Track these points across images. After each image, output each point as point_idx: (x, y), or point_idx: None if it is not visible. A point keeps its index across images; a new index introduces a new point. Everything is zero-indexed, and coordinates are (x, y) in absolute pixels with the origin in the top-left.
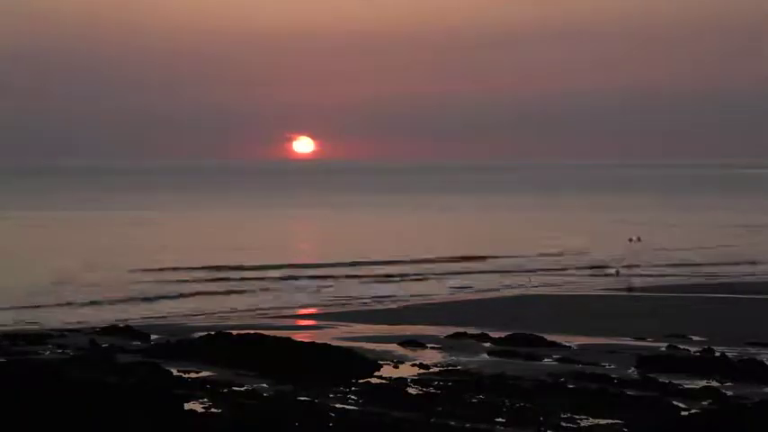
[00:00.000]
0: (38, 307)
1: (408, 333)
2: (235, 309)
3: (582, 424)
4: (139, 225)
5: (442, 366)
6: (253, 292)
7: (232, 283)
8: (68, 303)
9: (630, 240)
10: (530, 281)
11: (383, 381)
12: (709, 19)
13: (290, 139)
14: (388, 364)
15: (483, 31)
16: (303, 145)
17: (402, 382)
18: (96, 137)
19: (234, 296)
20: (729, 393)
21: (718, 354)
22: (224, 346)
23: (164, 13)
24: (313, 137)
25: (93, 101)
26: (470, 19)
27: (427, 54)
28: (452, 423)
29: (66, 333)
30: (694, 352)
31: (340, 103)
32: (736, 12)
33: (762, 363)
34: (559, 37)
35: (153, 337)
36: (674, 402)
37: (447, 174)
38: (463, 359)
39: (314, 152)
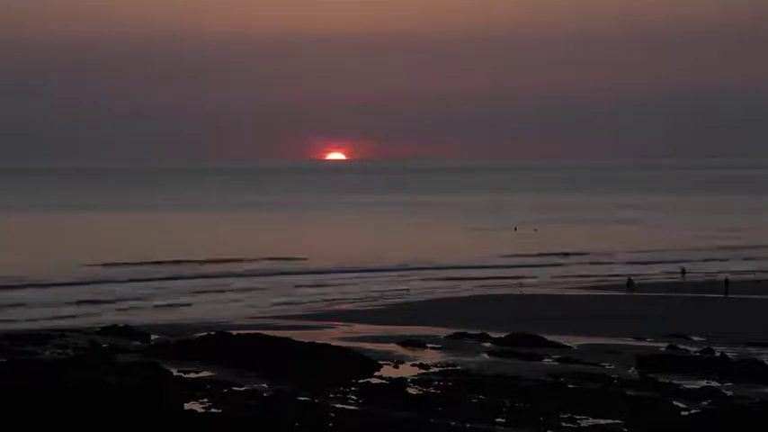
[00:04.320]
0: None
1: (408, 333)
2: None
3: (582, 424)
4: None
5: (442, 366)
6: None
7: None
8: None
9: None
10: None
11: (383, 381)
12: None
13: (324, 142)
14: (388, 364)
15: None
16: (335, 148)
17: (402, 382)
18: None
19: None
20: (729, 393)
21: (718, 354)
22: (224, 346)
23: (202, 19)
24: (343, 139)
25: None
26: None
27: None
28: (452, 423)
29: (66, 333)
30: (694, 352)
31: (366, 103)
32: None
33: (762, 363)
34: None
35: (153, 337)
36: (674, 402)
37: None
38: (463, 359)
39: (346, 154)
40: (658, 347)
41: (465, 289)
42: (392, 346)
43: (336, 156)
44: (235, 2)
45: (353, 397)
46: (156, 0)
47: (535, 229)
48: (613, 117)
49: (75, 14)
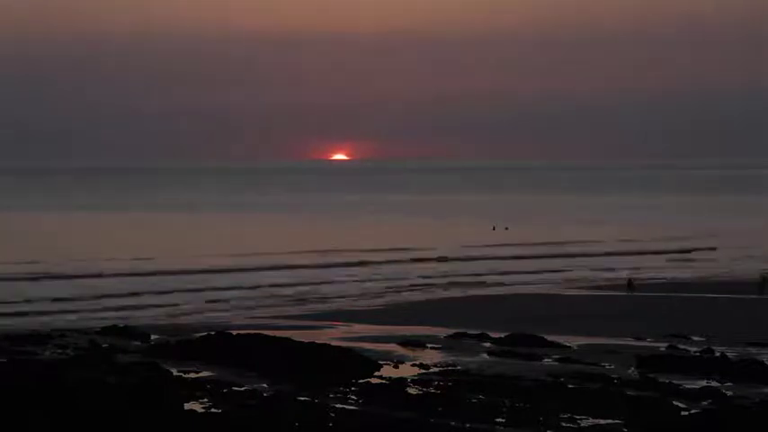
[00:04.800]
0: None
1: (408, 333)
2: None
3: (582, 424)
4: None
5: (442, 366)
6: None
7: None
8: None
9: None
10: None
11: (383, 381)
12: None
13: (325, 142)
14: (388, 364)
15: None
16: (339, 147)
17: (402, 382)
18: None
19: None
20: (729, 393)
21: (718, 354)
22: (224, 346)
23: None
24: (350, 138)
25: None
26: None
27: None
28: (452, 423)
29: (66, 333)
30: (694, 352)
31: (372, 103)
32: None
33: (762, 363)
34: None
35: (153, 337)
36: (674, 402)
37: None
38: (463, 359)
39: (348, 154)
40: (658, 347)
41: (464, 288)
42: (392, 346)
43: (338, 156)
44: (235, 1)
45: (353, 397)
46: None
47: (506, 228)
48: (614, 117)
49: (74, 13)
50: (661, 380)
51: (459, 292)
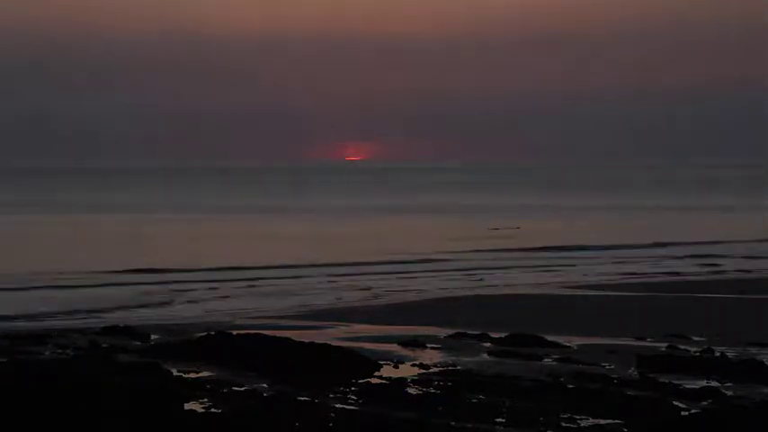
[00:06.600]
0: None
1: (408, 333)
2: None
3: (582, 424)
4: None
5: (442, 366)
6: None
7: None
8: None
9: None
10: None
11: (383, 381)
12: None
13: (342, 141)
14: (388, 364)
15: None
16: (355, 147)
17: (402, 382)
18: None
19: None
20: (729, 393)
21: (718, 354)
22: (224, 346)
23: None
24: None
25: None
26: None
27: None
28: (452, 423)
29: (66, 333)
30: (694, 352)
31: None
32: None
33: (762, 363)
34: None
35: (153, 337)
36: (674, 402)
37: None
38: (463, 359)
39: (366, 153)
40: (658, 347)
41: (465, 288)
42: (392, 346)
43: (341, 157)
44: (237, 2)
45: (353, 397)
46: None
47: (497, 228)
48: (614, 117)
49: (78, 11)
50: (661, 380)
51: (460, 291)
